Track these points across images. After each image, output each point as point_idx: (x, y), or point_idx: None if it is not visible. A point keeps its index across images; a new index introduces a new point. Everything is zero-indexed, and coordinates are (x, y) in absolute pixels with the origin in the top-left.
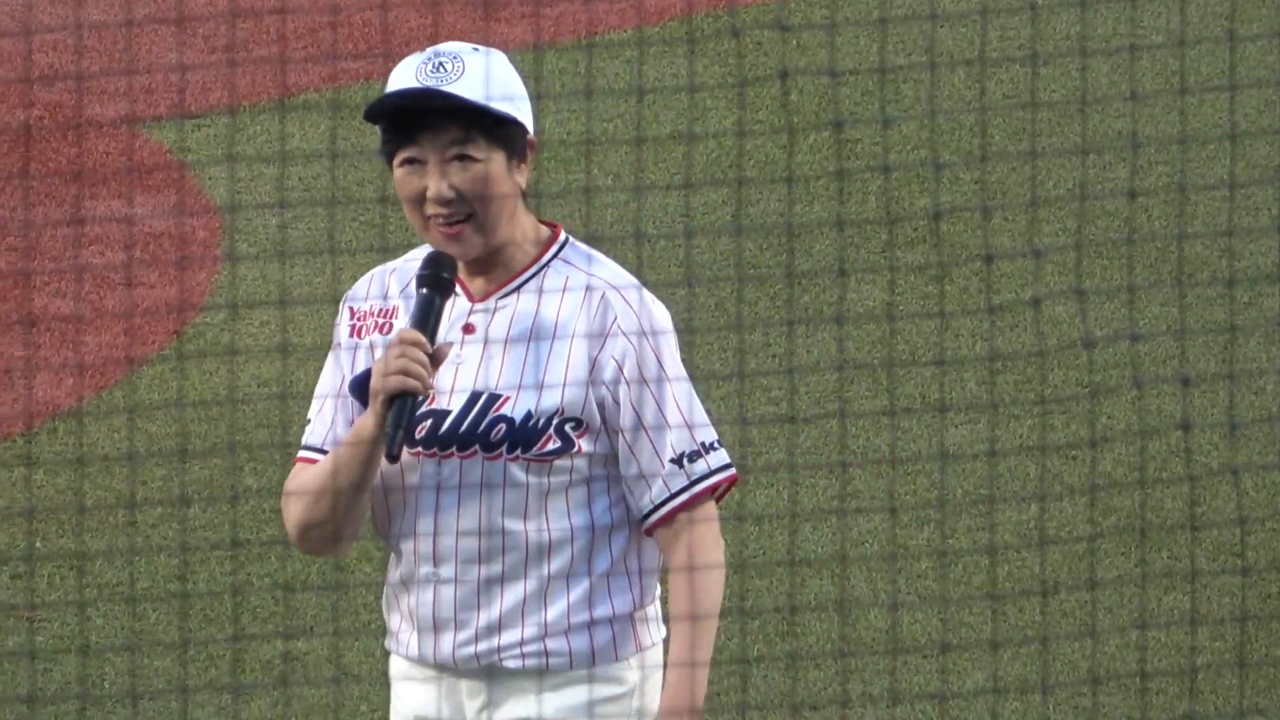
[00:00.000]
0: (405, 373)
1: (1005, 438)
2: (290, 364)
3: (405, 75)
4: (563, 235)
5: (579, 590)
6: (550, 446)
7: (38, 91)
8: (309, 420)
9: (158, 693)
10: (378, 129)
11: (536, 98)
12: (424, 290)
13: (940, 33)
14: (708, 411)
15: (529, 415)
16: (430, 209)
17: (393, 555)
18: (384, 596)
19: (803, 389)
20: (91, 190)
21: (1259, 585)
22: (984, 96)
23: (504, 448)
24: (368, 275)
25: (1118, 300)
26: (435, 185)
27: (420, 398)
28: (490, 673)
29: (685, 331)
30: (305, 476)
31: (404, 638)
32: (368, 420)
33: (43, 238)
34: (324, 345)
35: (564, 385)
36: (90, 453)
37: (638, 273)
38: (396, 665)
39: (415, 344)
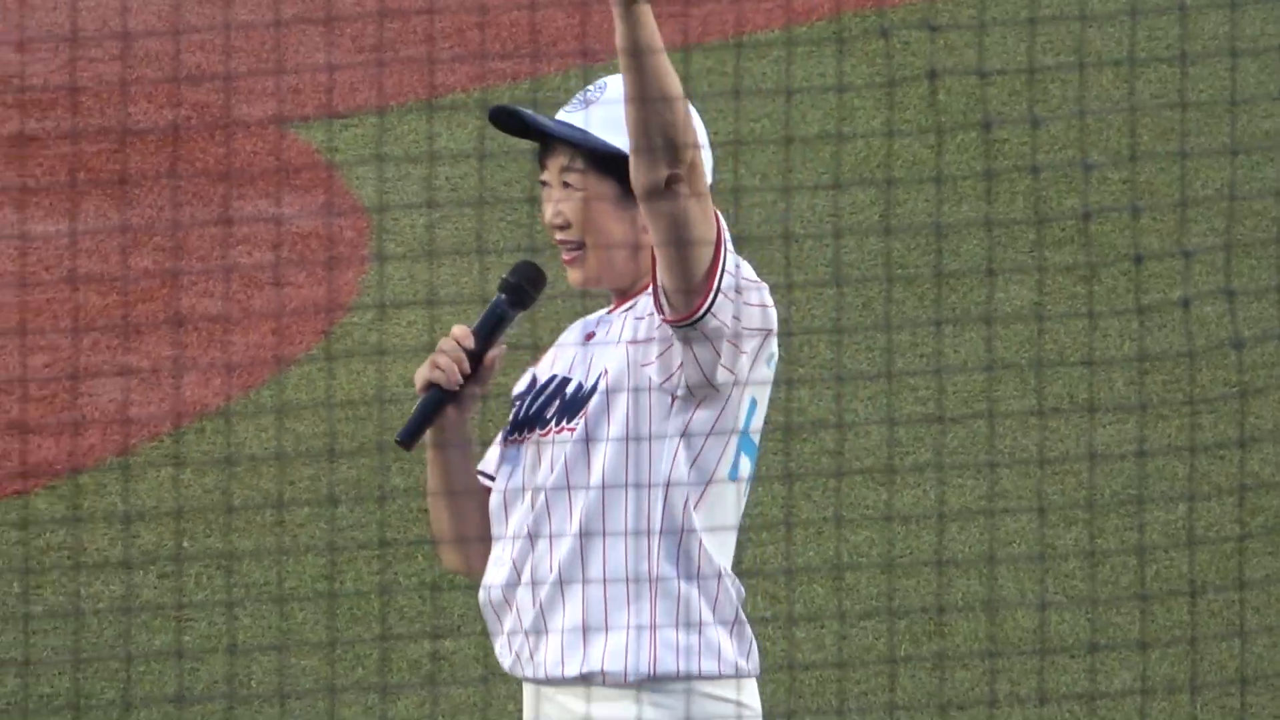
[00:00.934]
0: (435, 365)
1: (1154, 438)
2: None
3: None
4: None
5: (594, 590)
6: (593, 407)
7: (186, 91)
8: None
9: (305, 692)
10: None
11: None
12: (500, 295)
13: (1089, 33)
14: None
15: (579, 386)
16: (555, 233)
17: None
18: None
19: (950, 389)
20: (239, 190)
21: None
22: (1132, 96)
23: (553, 420)
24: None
25: (1267, 300)
26: (546, 208)
27: (447, 392)
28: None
29: (833, 331)
30: None
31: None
32: None
33: (190, 237)
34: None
35: (606, 347)
36: (238, 452)
37: (785, 273)
38: None
39: (457, 339)
